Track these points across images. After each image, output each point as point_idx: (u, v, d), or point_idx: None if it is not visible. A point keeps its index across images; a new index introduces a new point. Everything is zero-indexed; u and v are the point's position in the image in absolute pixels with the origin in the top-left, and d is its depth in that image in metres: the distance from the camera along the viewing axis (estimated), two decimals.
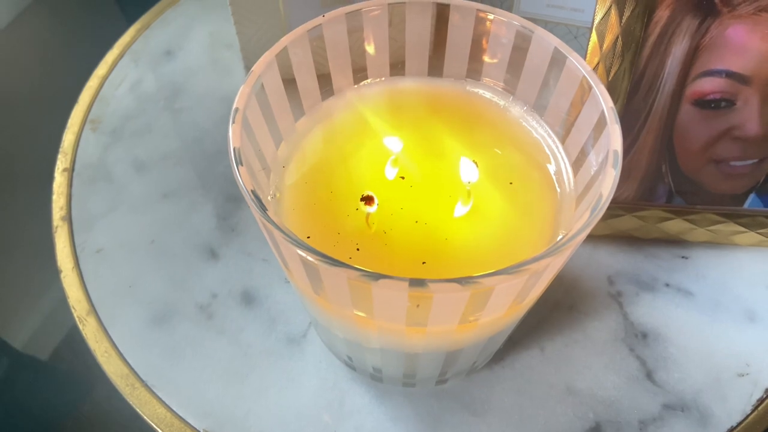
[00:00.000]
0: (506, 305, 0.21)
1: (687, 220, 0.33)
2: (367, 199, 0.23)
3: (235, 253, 0.34)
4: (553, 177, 0.25)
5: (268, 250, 0.34)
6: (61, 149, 0.38)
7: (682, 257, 0.34)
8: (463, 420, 0.29)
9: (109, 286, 0.33)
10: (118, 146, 0.39)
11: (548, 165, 0.26)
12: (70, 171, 0.37)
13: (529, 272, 0.18)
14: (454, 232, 0.24)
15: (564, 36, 0.39)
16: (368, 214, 0.24)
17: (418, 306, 0.21)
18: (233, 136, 0.21)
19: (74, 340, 0.83)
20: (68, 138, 0.39)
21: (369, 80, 0.28)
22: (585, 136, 0.24)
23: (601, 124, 0.22)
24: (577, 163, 0.25)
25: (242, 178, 0.20)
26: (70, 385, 0.82)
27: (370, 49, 0.27)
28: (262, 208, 0.19)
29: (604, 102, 0.22)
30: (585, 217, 0.20)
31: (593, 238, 0.34)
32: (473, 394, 0.29)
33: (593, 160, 0.23)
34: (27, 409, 0.78)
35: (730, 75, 0.29)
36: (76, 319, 0.32)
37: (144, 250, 0.34)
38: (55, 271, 0.33)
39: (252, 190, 0.20)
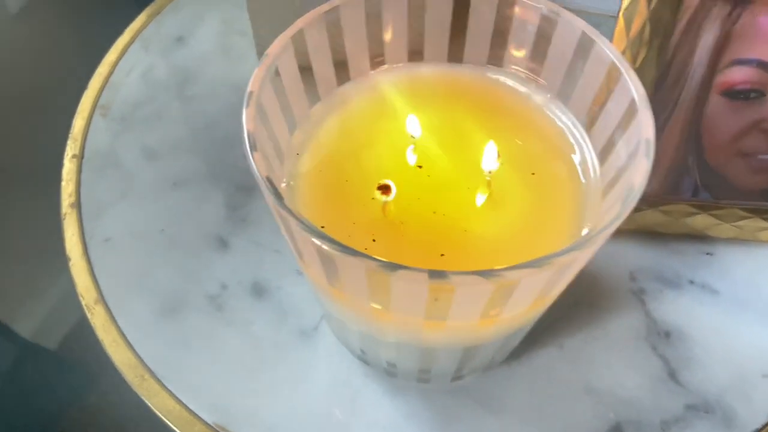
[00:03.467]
0: (530, 300, 0.20)
1: (712, 215, 0.32)
2: (384, 188, 0.23)
3: (246, 243, 0.33)
4: (578, 167, 0.24)
5: (279, 242, 0.33)
6: (70, 135, 0.38)
7: (707, 254, 0.33)
8: (478, 417, 0.28)
9: (118, 275, 0.32)
10: (127, 133, 0.38)
11: (572, 155, 0.25)
12: (80, 158, 0.37)
13: (555, 266, 0.17)
14: (473, 223, 0.23)
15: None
16: (385, 204, 0.23)
17: (436, 300, 0.20)
18: (247, 120, 0.20)
19: (82, 330, 0.83)
20: (78, 124, 0.38)
21: (386, 66, 0.27)
22: (613, 125, 0.23)
23: (630, 111, 0.21)
24: (604, 153, 0.24)
25: (257, 164, 0.19)
26: (78, 375, 0.81)
27: (388, 33, 0.26)
28: (277, 195, 0.19)
29: (635, 89, 0.21)
30: (615, 209, 0.19)
31: (615, 233, 0.33)
32: (489, 392, 0.29)
33: (621, 150, 0.22)
34: (34, 399, 0.78)
35: (761, 65, 0.28)
36: (84, 307, 0.31)
37: (153, 239, 0.34)
38: (64, 260, 0.33)
39: (267, 177, 0.19)
